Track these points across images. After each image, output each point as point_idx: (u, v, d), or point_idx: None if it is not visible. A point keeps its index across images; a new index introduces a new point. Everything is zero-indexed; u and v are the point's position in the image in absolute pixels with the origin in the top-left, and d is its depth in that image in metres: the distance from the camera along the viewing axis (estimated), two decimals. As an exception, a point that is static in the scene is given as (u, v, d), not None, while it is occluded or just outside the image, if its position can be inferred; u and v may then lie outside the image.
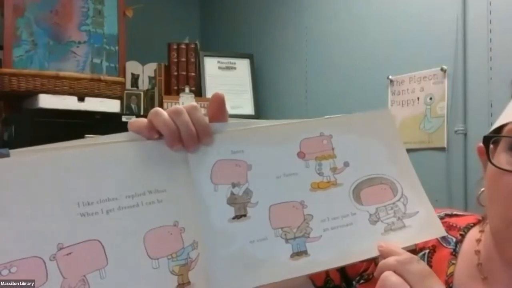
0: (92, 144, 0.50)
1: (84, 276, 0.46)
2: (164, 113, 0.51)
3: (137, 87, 2.49)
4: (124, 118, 2.20)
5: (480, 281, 0.58)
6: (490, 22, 1.63)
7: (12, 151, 0.46)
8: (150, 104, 2.42)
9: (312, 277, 0.66)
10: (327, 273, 0.66)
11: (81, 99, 2.15)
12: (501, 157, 0.54)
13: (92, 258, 0.47)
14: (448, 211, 0.67)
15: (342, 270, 0.67)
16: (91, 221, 0.48)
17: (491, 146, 0.55)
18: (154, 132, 0.51)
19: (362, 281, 0.64)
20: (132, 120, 0.52)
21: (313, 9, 2.33)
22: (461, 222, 0.65)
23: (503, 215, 0.53)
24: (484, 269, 0.58)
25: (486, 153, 0.55)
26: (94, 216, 0.48)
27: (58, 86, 2.13)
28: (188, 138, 0.51)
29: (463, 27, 1.71)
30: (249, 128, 0.55)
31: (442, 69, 1.78)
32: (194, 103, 0.54)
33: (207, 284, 0.50)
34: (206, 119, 0.53)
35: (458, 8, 1.71)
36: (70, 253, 0.46)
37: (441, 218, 0.65)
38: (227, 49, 2.74)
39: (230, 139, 0.54)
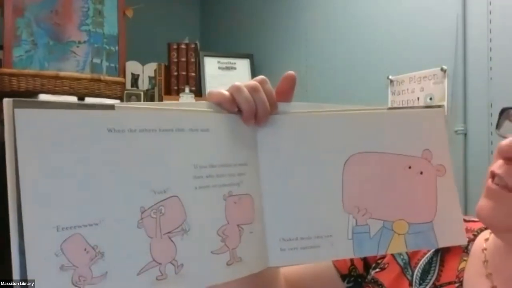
0: (185, 110, 0.51)
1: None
2: (245, 90, 0.54)
3: (137, 87, 2.49)
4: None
5: (485, 277, 0.61)
6: (490, 22, 1.63)
7: (116, 106, 0.46)
8: (150, 104, 2.42)
9: (336, 265, 0.70)
10: (351, 261, 0.70)
11: (81, 99, 2.14)
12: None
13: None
14: (466, 217, 0.71)
15: (364, 258, 0.70)
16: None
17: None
18: (235, 106, 0.54)
19: (377, 269, 0.67)
20: (212, 91, 0.55)
21: (313, 9, 2.33)
22: (476, 226, 0.68)
23: (488, 171, 0.58)
24: (489, 266, 0.62)
25: (497, 123, 0.61)
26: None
27: (58, 86, 2.13)
28: (262, 115, 0.55)
29: (463, 27, 1.71)
30: (312, 113, 0.59)
31: (442, 69, 1.78)
32: (263, 76, 0.57)
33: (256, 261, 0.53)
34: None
35: (458, 8, 1.71)
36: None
37: None
38: (227, 49, 2.74)
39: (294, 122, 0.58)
